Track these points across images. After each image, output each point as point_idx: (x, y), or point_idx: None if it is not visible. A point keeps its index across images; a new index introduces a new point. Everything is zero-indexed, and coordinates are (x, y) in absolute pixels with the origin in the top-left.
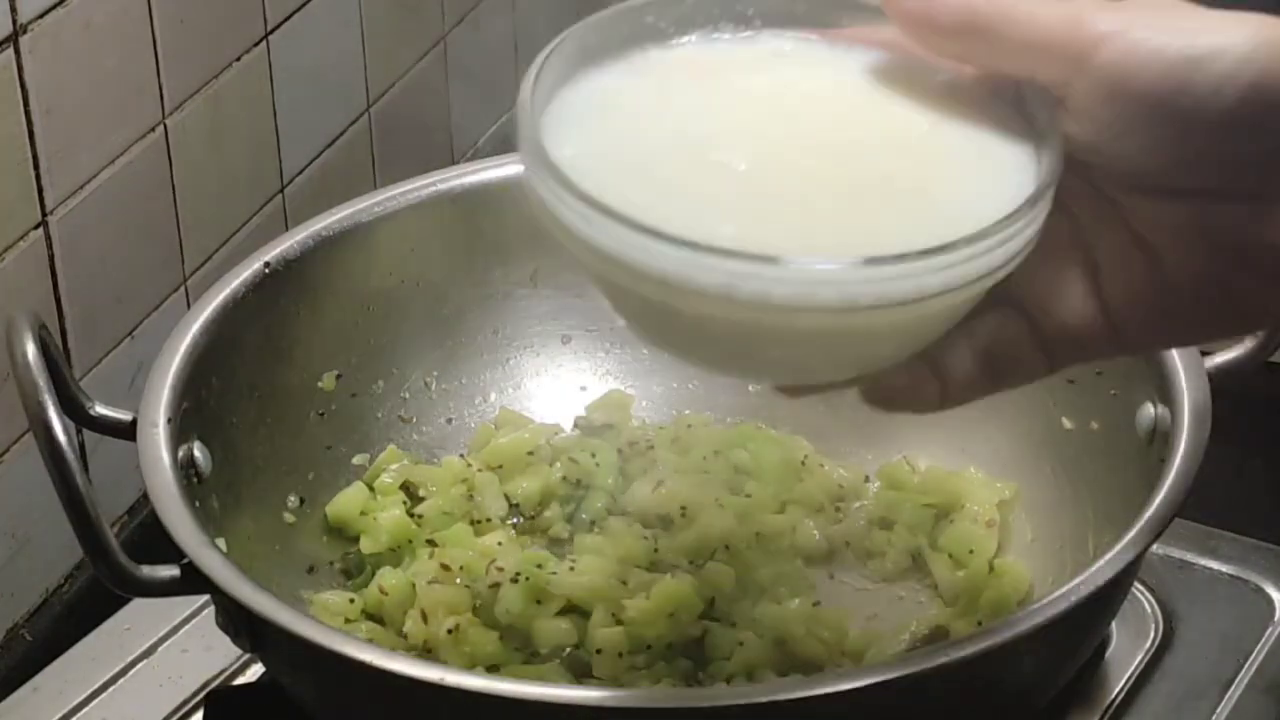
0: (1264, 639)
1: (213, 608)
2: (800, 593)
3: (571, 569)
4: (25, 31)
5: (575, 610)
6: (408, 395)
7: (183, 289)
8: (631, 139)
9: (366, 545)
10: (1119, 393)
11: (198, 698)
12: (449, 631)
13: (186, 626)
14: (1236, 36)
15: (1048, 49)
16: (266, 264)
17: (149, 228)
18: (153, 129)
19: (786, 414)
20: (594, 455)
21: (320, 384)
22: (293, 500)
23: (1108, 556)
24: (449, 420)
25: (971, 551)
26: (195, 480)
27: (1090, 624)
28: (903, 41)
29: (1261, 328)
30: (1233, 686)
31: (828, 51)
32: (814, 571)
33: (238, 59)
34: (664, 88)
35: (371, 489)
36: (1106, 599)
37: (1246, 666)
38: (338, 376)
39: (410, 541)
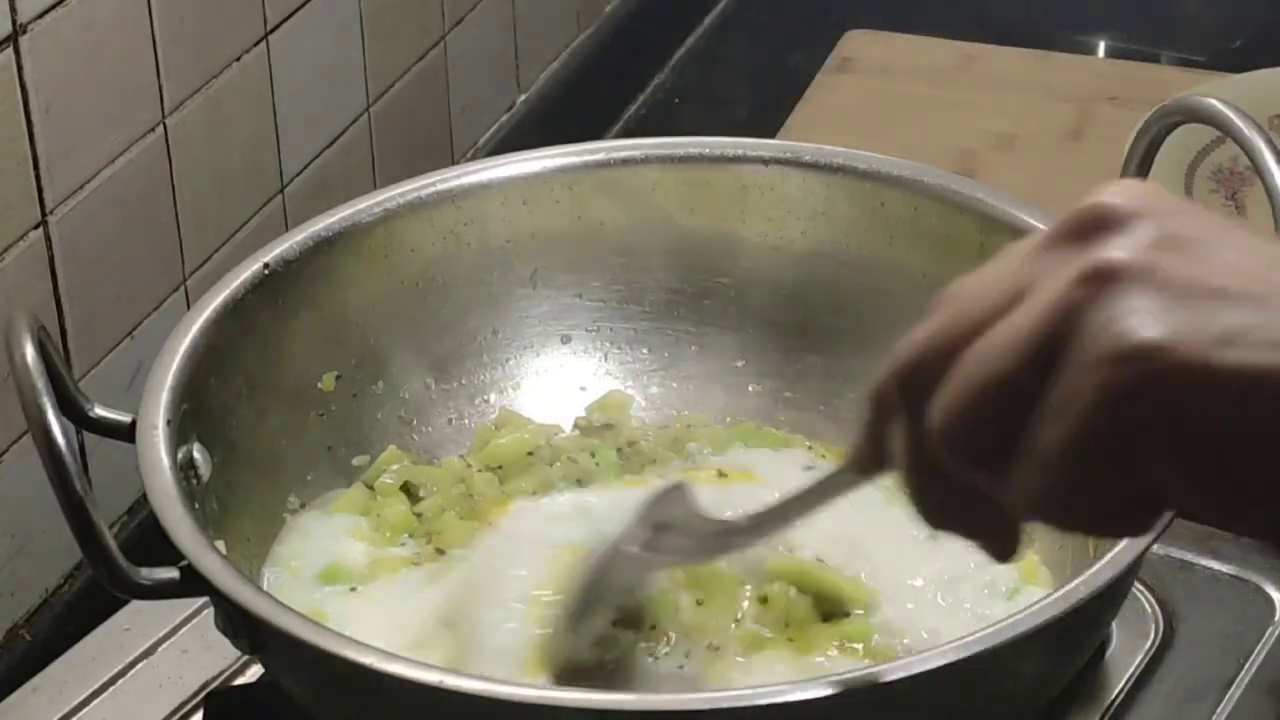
0: (1264, 639)
1: (212, 609)
2: None
3: None
4: (25, 31)
5: None
6: (408, 395)
7: (183, 289)
8: None
9: None
10: None
11: (198, 698)
12: None
13: (186, 627)
14: None
15: None
16: (266, 264)
17: (149, 228)
18: (153, 129)
19: (786, 415)
20: (594, 455)
21: (320, 384)
22: (293, 501)
23: (1108, 556)
24: (449, 420)
25: None
26: (195, 482)
27: (1090, 624)
28: None
29: None
30: (1233, 686)
31: None
32: None
33: (238, 59)
34: None
35: (371, 490)
36: (1107, 599)
37: (1246, 666)
38: (338, 376)
39: (411, 536)
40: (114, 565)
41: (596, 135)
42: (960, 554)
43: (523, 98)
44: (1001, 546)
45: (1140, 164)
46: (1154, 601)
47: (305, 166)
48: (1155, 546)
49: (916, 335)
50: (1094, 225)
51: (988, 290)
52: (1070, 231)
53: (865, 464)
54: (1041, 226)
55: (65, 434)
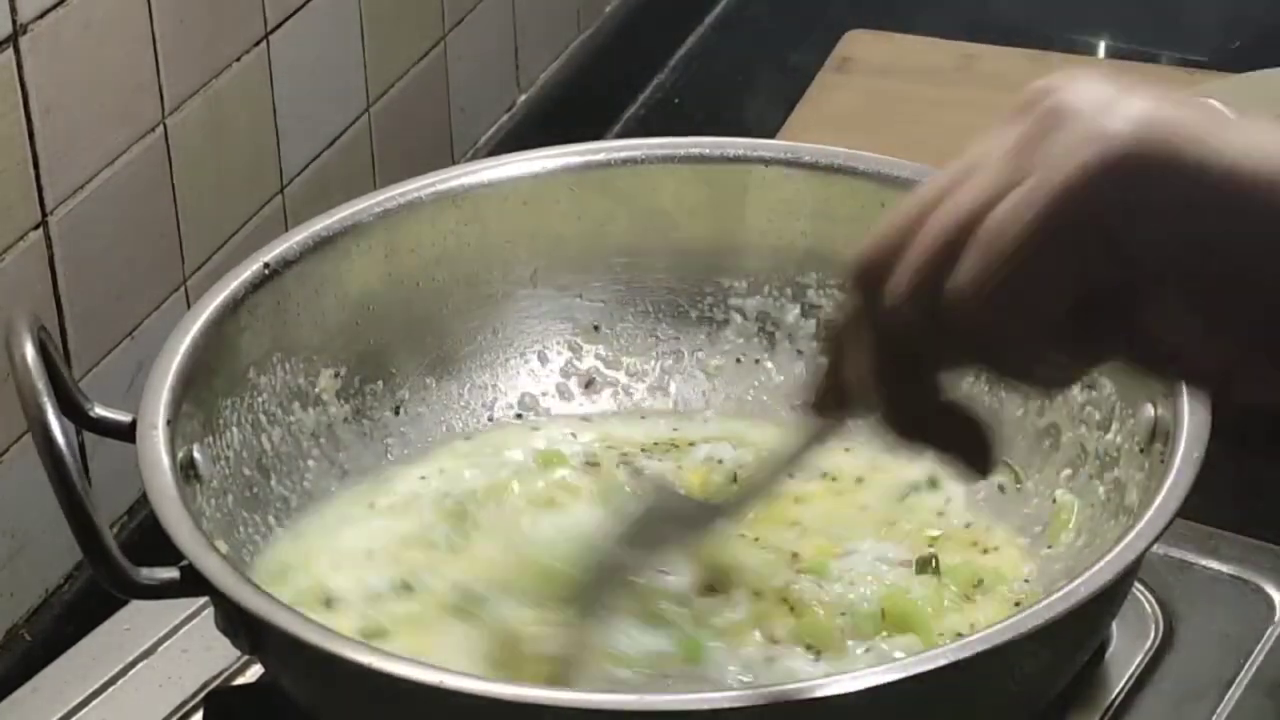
0: (1264, 639)
1: (212, 609)
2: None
3: None
4: (25, 31)
5: None
6: (407, 395)
7: (183, 289)
8: None
9: None
10: (1119, 393)
11: (198, 698)
12: None
13: (186, 627)
14: None
15: None
16: (266, 264)
17: (149, 228)
18: (153, 129)
19: (786, 414)
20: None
21: (320, 384)
22: (292, 501)
23: (1108, 557)
24: (449, 420)
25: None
26: (195, 482)
27: (1091, 625)
28: None
29: None
30: (1233, 686)
31: None
32: None
33: (238, 59)
34: None
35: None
36: (1107, 599)
37: (1246, 666)
38: (337, 376)
39: None
40: (114, 565)
41: (596, 135)
42: None
43: (523, 98)
44: (975, 460)
45: None
46: (1154, 601)
47: (305, 166)
48: (1155, 546)
49: (893, 228)
50: (1058, 115)
51: (976, 181)
52: (1036, 129)
53: (825, 403)
54: None
55: (65, 434)
